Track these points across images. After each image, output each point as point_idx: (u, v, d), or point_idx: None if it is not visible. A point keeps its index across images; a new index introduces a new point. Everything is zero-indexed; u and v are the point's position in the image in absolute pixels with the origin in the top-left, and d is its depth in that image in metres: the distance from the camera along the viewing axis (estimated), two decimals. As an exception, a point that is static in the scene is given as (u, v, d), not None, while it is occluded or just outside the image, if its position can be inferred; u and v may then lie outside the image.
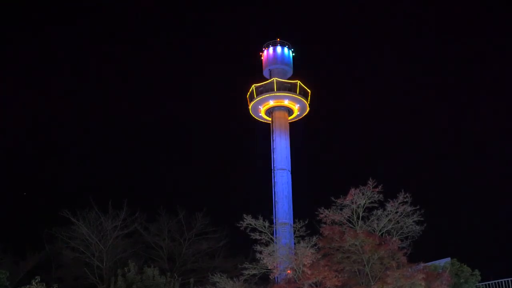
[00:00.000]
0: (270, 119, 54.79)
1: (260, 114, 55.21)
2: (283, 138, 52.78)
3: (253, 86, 54.09)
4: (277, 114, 54.17)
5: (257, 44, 57.96)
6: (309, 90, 54.35)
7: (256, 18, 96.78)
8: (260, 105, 54.16)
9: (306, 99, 54.08)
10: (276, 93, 53.16)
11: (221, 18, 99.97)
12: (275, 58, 55.93)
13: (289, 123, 54.80)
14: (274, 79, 53.67)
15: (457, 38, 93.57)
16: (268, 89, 53.40)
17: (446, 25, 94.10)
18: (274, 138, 53.08)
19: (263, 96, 53.37)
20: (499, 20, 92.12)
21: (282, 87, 53.45)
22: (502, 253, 55.65)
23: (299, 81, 53.74)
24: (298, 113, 54.90)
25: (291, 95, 53.39)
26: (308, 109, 54.66)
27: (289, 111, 54.68)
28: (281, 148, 52.50)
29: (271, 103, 53.83)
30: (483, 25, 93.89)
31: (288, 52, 56.49)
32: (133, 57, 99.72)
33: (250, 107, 54.54)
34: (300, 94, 53.59)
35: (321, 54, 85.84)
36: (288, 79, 55.80)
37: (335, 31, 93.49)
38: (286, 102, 53.89)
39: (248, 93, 54.79)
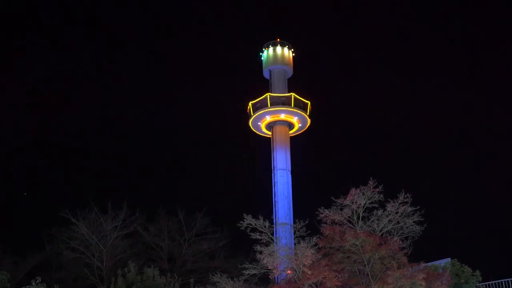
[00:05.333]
0: (270, 133, 54.28)
1: (261, 129, 54.92)
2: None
3: (250, 103, 53.81)
4: (277, 128, 53.66)
5: (257, 44, 58.04)
6: (307, 102, 53.60)
7: (256, 18, 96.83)
8: (259, 121, 53.97)
9: (305, 111, 53.22)
10: (270, 108, 52.75)
11: (221, 18, 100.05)
12: (275, 58, 55.86)
13: (291, 136, 54.27)
14: (268, 94, 53.28)
15: (458, 36, 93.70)
16: (263, 105, 53.04)
17: (447, 22, 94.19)
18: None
19: (259, 113, 53.09)
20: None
21: (276, 102, 52.94)
22: (502, 253, 55.70)
23: (293, 94, 53.13)
24: (300, 125, 54.19)
25: (285, 108, 52.84)
26: (309, 121, 53.83)
27: (290, 125, 54.16)
28: (281, 147, 52.46)
29: (268, 118, 53.54)
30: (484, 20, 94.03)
31: (288, 52, 56.43)
32: (133, 59, 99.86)
33: (250, 124, 54.29)
34: (296, 106, 52.83)
35: (321, 54, 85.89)
36: (288, 80, 55.78)
37: (335, 31, 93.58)
38: (282, 116, 53.33)
39: (247, 109, 54.51)
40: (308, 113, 53.51)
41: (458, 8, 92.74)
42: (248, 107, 54.04)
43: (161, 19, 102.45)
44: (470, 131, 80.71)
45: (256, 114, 53.23)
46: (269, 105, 52.68)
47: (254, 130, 55.20)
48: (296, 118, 53.66)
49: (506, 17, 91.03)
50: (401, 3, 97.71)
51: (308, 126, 54.69)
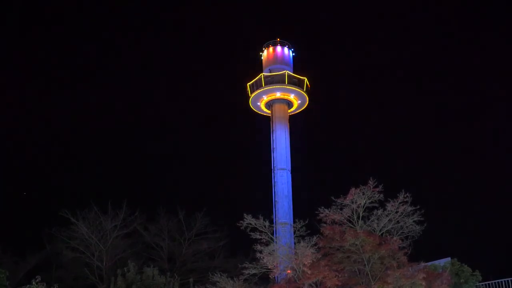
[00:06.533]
0: (269, 111, 54.90)
1: (259, 105, 55.31)
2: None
3: (261, 74, 54.10)
4: (277, 107, 54.42)
5: (257, 44, 58.06)
6: (309, 85, 54.77)
7: (256, 18, 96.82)
8: (265, 95, 54.18)
9: (308, 94, 54.48)
10: (286, 86, 53.44)
11: (221, 18, 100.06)
12: (275, 58, 56.01)
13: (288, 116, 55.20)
14: (286, 72, 53.90)
15: (457, 35, 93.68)
16: (279, 80, 53.51)
17: (445, 21, 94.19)
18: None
19: (273, 87, 53.64)
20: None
21: (291, 81, 53.71)
22: (502, 253, 55.68)
23: (306, 78, 54.10)
24: (297, 107, 55.45)
25: (299, 90, 53.89)
26: (307, 103, 55.13)
27: (289, 104, 54.92)
28: (281, 147, 52.49)
29: (278, 94, 54.23)
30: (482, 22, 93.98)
31: (288, 52, 56.54)
32: (132, 55, 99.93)
33: (252, 96, 54.50)
34: (291, 83, 54.01)
35: (321, 54, 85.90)
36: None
37: (335, 31, 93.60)
38: (291, 96, 54.44)
39: (252, 81, 54.56)
40: (304, 89, 54.62)
41: (459, 7, 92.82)
42: (258, 76, 54.32)
43: (161, 19, 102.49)
44: (470, 131, 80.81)
45: (269, 87, 53.68)
46: (286, 82, 53.24)
47: (252, 107, 55.72)
48: (300, 101, 54.82)
49: (507, 18, 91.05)
50: (402, 2, 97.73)
51: (304, 108, 55.82)
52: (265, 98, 54.56)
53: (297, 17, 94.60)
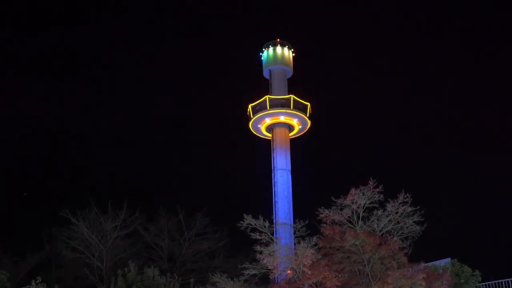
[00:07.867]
0: (270, 135, 54.14)
1: (261, 131, 54.68)
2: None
3: (249, 106, 53.60)
4: (277, 131, 53.40)
5: (257, 44, 57.98)
6: (307, 103, 53.38)
7: (256, 18, 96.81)
8: (259, 123, 53.70)
9: (305, 113, 53.04)
10: (269, 110, 52.41)
11: (221, 18, 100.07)
12: (275, 58, 55.75)
13: (291, 138, 54.12)
14: (267, 96, 52.99)
15: (457, 38, 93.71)
16: (263, 107, 52.75)
17: (446, 25, 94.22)
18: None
19: (258, 115, 52.74)
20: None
21: (275, 104, 52.59)
22: (502, 253, 55.70)
23: (292, 96, 52.94)
24: (300, 127, 53.90)
25: (285, 111, 52.54)
26: (309, 122, 53.63)
27: (290, 127, 53.95)
28: (281, 147, 52.35)
29: (268, 121, 53.29)
30: (482, 24, 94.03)
31: (288, 52, 56.38)
32: (133, 59, 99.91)
33: (250, 126, 54.07)
34: (296, 108, 52.61)
35: (321, 54, 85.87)
36: (288, 80, 55.66)
37: (335, 31, 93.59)
38: (282, 118, 53.02)
39: (247, 112, 54.30)
40: (308, 115, 53.17)
41: (456, 7, 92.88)
42: (248, 110, 53.84)
43: (160, 18, 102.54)
44: (470, 131, 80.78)
45: (256, 117, 52.95)
46: (268, 107, 52.43)
47: (255, 133, 55.02)
48: (296, 120, 53.33)
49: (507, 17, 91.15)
50: (402, 2, 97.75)
51: (309, 128, 54.44)
52: (261, 126, 53.86)
53: (297, 17, 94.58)
